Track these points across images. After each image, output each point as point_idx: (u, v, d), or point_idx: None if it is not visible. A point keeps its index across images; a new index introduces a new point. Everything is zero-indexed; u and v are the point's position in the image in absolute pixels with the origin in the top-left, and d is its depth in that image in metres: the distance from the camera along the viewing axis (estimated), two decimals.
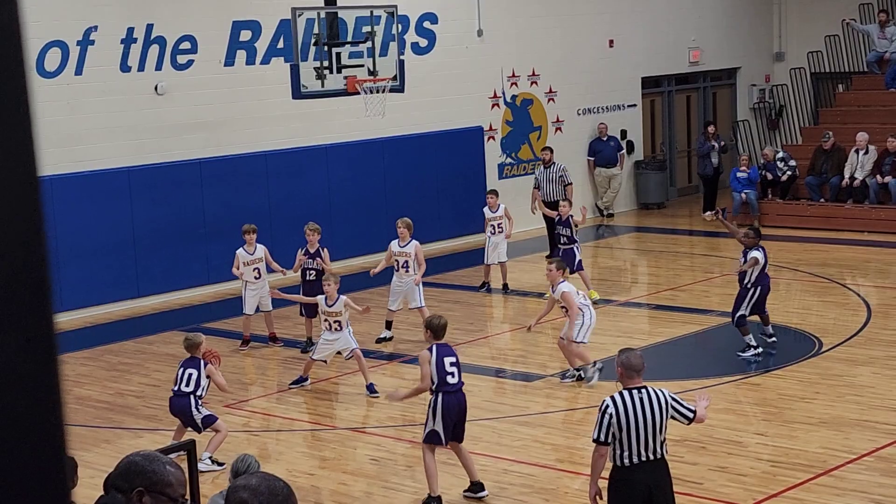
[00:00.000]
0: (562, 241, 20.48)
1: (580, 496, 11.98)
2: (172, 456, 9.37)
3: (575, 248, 20.28)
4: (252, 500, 4.49)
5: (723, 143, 28.86)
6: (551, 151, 24.41)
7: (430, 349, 12.04)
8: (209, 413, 13.45)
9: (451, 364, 12.04)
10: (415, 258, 18.21)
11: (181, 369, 13.45)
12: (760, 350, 16.61)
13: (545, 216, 22.90)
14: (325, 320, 15.81)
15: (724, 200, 28.27)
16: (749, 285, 16.59)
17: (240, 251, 18.34)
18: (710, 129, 28.90)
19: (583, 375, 15.80)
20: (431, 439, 11.98)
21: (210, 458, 13.26)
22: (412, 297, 18.19)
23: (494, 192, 21.70)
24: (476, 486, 12.20)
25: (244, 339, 18.44)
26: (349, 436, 14.41)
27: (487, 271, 21.58)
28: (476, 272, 23.04)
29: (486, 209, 21.50)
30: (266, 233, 22.59)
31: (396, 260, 18.29)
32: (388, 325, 18.55)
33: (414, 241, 18.35)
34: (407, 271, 18.22)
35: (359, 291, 20.92)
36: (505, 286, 21.26)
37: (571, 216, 20.31)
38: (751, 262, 16.46)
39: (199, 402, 13.32)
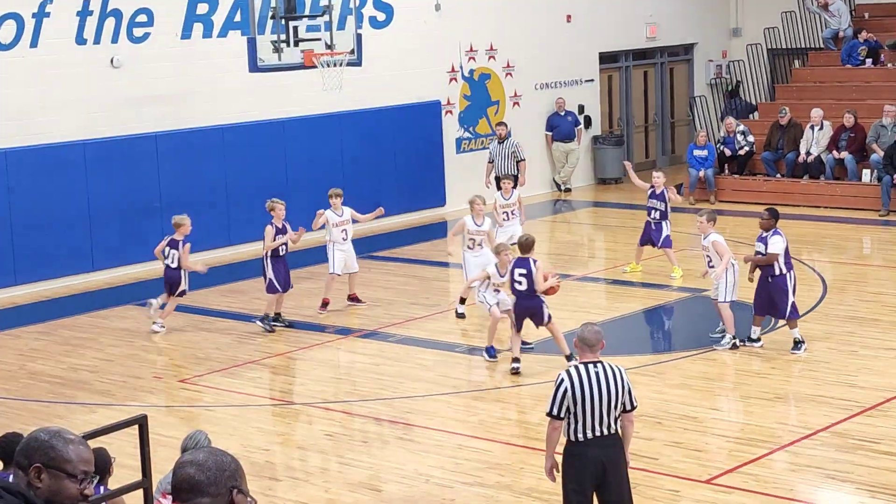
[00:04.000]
0: (652, 216, 19.87)
1: (536, 471, 11.98)
2: (123, 430, 9.31)
3: (664, 225, 19.80)
4: (199, 474, 4.44)
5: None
6: (506, 127, 24.44)
7: None
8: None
9: None
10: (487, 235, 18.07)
11: (167, 248, 17.62)
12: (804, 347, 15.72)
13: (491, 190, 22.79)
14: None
15: (681, 176, 28.34)
16: (783, 271, 15.60)
17: (328, 212, 18.50)
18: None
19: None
20: None
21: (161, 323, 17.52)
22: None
23: (510, 178, 20.91)
24: None
25: (324, 302, 18.52)
26: (304, 411, 14.37)
27: None
28: (434, 246, 23.04)
29: (498, 195, 20.49)
30: (222, 207, 22.55)
31: (473, 238, 17.90)
32: (463, 301, 18.21)
33: (487, 217, 18.18)
34: (481, 248, 17.95)
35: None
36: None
37: (667, 189, 19.91)
38: (770, 256, 15.54)
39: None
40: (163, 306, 17.87)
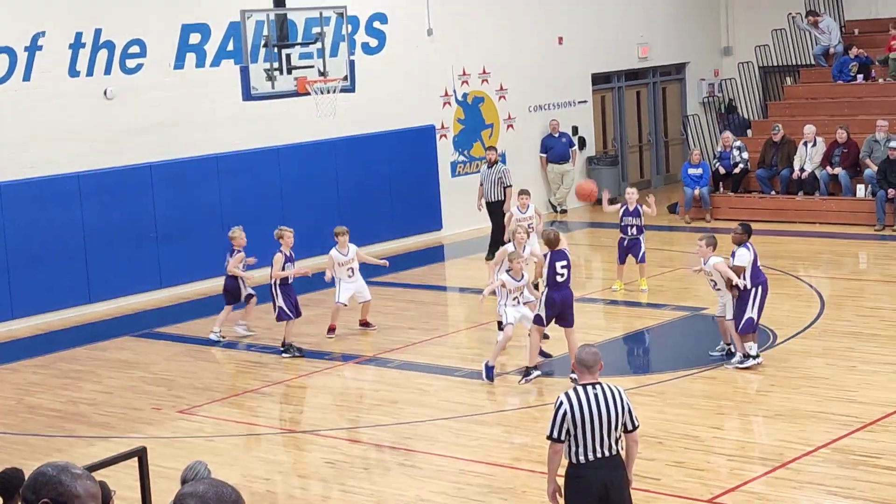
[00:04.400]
0: (629, 233, 20.44)
1: (539, 495, 11.95)
2: (123, 463, 9.30)
3: (642, 240, 20.46)
4: None
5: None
6: (495, 152, 24.49)
7: None
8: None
9: None
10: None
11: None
12: (760, 361, 15.73)
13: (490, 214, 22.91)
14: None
15: (677, 195, 28.38)
16: (747, 285, 15.54)
17: (333, 252, 18.54)
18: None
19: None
20: None
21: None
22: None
23: (527, 192, 20.49)
24: None
25: (331, 328, 18.61)
26: (304, 439, 14.34)
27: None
28: (432, 270, 23.04)
29: (515, 209, 20.12)
30: (218, 235, 22.49)
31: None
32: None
33: (528, 245, 17.89)
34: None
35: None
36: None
37: (641, 206, 20.37)
38: (736, 268, 15.55)
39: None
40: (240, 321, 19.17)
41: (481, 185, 24.05)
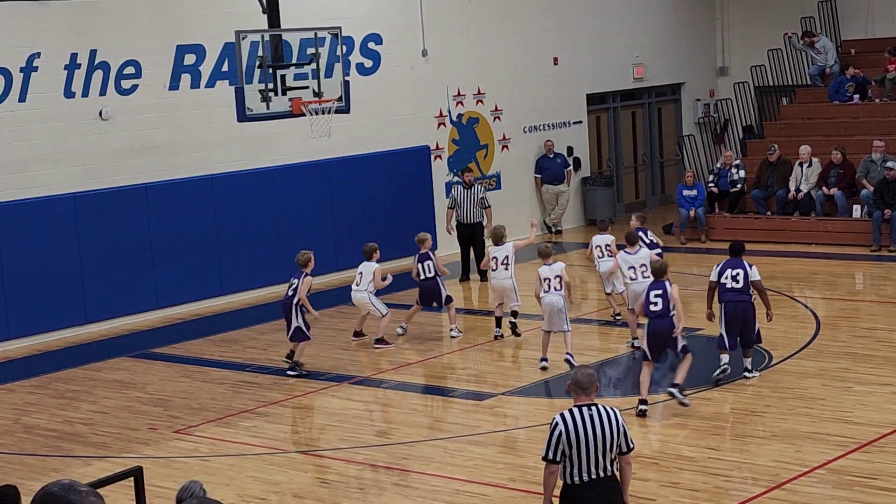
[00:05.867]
0: None
1: None
2: (119, 483, 9.28)
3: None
4: None
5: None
6: (472, 173, 24.61)
7: None
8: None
9: None
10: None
11: (419, 264, 19.35)
12: (727, 372, 15.98)
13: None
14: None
15: (672, 216, 28.38)
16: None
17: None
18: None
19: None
20: None
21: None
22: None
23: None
24: None
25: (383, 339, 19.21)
26: (299, 459, 14.32)
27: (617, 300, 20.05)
28: None
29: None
30: (213, 256, 22.53)
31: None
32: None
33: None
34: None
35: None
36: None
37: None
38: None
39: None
40: (403, 327, 19.75)
41: (455, 207, 23.96)
